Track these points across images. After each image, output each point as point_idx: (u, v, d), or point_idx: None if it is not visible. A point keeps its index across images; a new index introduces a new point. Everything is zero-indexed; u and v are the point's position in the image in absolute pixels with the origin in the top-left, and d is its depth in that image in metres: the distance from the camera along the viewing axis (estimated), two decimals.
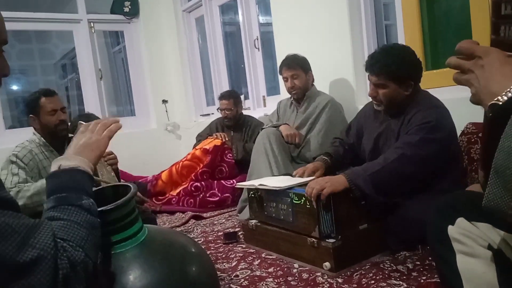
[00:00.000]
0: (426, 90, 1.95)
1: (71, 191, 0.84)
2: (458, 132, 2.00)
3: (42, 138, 2.13)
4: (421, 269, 1.58)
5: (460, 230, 0.89)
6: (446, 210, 0.96)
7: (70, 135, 2.10)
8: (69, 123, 2.30)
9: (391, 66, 1.77)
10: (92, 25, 4.41)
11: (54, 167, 0.91)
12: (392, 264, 1.66)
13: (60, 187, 0.85)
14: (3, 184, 0.77)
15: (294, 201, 1.78)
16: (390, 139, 1.89)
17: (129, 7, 4.51)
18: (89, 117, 2.49)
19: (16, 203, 0.76)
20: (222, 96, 3.42)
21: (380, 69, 1.79)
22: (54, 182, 0.87)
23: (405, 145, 1.73)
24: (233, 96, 3.41)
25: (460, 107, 2.03)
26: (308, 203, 1.70)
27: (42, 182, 1.93)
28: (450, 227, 0.91)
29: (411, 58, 1.83)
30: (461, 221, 0.90)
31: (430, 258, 1.62)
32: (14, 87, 7.13)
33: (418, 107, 1.80)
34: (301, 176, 2.01)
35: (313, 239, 1.69)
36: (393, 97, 1.82)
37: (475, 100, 0.72)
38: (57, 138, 2.14)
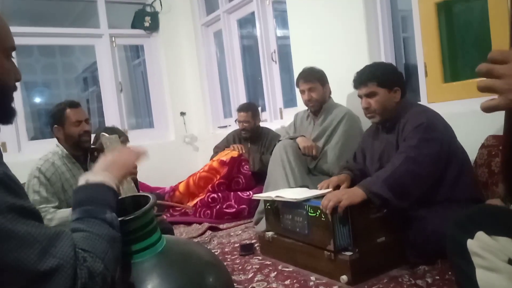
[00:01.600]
0: (446, 102, 1.96)
1: (96, 205, 0.87)
2: (478, 145, 1.98)
3: (64, 150, 2.17)
4: (441, 283, 1.55)
5: (479, 244, 0.88)
6: (465, 223, 0.95)
7: (92, 146, 2.14)
8: (93, 135, 2.34)
9: (377, 72, 1.93)
10: (113, 39, 4.52)
11: (81, 181, 0.95)
12: (410, 278, 1.63)
13: (85, 200, 0.88)
14: (27, 195, 0.80)
15: (309, 214, 1.78)
16: (392, 153, 1.91)
17: (149, 22, 4.61)
18: (114, 130, 2.52)
19: (38, 213, 0.79)
20: (241, 108, 3.45)
21: (367, 77, 1.93)
22: (81, 195, 0.90)
23: (407, 148, 1.76)
24: (252, 109, 3.44)
25: (480, 119, 2.01)
26: (323, 216, 1.69)
27: (68, 213, 1.95)
28: (469, 241, 0.90)
29: (392, 67, 2.04)
30: (480, 234, 0.88)
31: (450, 273, 1.59)
32: (37, 100, 7.33)
33: (408, 115, 1.87)
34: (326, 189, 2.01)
35: (329, 252, 1.67)
36: (385, 103, 1.92)
37: (508, 104, 0.65)
38: (80, 149, 2.18)
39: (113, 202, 0.91)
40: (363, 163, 2.17)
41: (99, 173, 0.98)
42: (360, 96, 1.99)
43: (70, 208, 1.95)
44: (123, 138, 2.03)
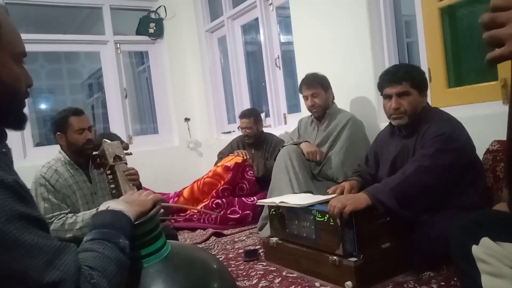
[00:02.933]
0: (450, 107, 1.95)
1: (112, 229, 0.90)
2: (483, 150, 1.97)
3: (67, 157, 2.18)
4: None
5: (485, 249, 0.87)
6: (470, 229, 0.94)
7: (94, 152, 2.14)
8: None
9: (413, 73, 1.86)
10: (118, 46, 4.56)
11: (102, 207, 0.98)
12: (416, 285, 1.62)
13: (103, 223, 0.91)
14: (35, 203, 0.81)
15: (317, 219, 1.77)
16: (407, 159, 1.87)
17: (154, 28, 4.65)
18: (111, 137, 2.53)
19: (46, 223, 0.80)
20: (243, 115, 3.46)
21: (403, 76, 1.85)
22: (99, 218, 0.93)
23: (421, 157, 1.73)
24: (253, 115, 3.44)
25: (485, 124, 2.01)
26: (332, 221, 1.69)
27: (90, 214, 1.97)
28: (474, 247, 0.89)
29: (423, 70, 1.94)
30: (485, 240, 0.88)
31: (455, 279, 1.58)
32: (43, 106, 7.38)
33: (431, 122, 1.82)
34: (338, 194, 1.99)
35: (335, 258, 1.67)
36: (416, 105, 1.86)
37: None
38: (82, 156, 2.19)
39: (128, 231, 0.94)
40: (374, 167, 2.13)
41: (120, 203, 1.01)
42: (387, 96, 1.89)
43: (93, 210, 1.96)
44: (124, 144, 2.04)
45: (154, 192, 3.49)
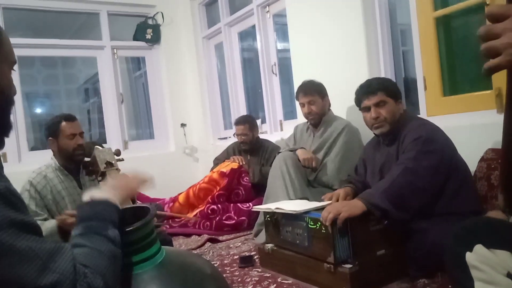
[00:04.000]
0: (445, 115, 1.99)
1: (99, 221, 0.88)
2: (478, 158, 1.98)
3: (57, 163, 2.18)
4: None
5: (478, 257, 0.88)
6: (464, 236, 0.95)
7: (86, 159, 2.14)
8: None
9: (385, 83, 2.01)
10: (115, 51, 4.56)
11: (86, 198, 0.96)
12: None
13: (88, 216, 0.89)
14: (27, 208, 0.81)
15: (309, 226, 1.77)
16: (392, 165, 1.91)
17: (151, 34, 4.65)
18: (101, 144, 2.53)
19: (38, 227, 0.79)
20: (238, 122, 3.47)
21: (377, 86, 1.97)
22: (84, 211, 0.92)
23: (405, 160, 1.78)
24: (248, 121, 3.45)
25: (480, 132, 2.03)
26: (323, 228, 1.69)
27: (51, 225, 1.94)
28: (468, 254, 0.90)
29: (394, 82, 2.11)
30: (479, 248, 0.89)
31: (450, 286, 1.58)
32: (38, 110, 7.35)
33: (409, 128, 1.89)
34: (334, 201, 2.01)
35: (329, 264, 1.67)
36: (394, 112, 1.96)
37: (509, 61, 0.60)
38: (73, 161, 2.19)
39: (116, 219, 0.92)
40: (364, 176, 2.17)
41: (103, 191, 0.99)
42: (365, 108, 1.99)
43: (53, 221, 1.91)
44: (116, 150, 2.04)
45: (150, 198, 3.48)
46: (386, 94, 1.95)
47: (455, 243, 0.96)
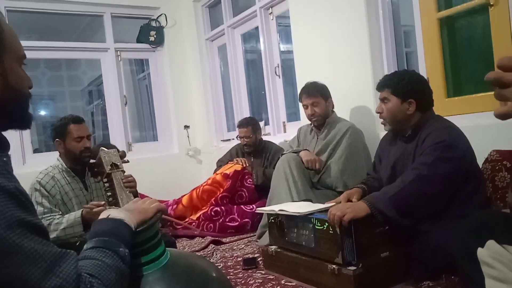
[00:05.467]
0: (448, 116, 1.96)
1: (112, 237, 0.89)
2: (482, 159, 1.98)
3: (64, 164, 2.19)
4: None
5: (490, 253, 0.86)
6: (477, 230, 0.92)
7: (91, 161, 2.14)
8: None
9: (394, 79, 1.94)
10: (118, 53, 4.58)
11: (103, 215, 0.97)
12: None
13: (103, 231, 0.90)
14: (35, 210, 0.81)
15: (316, 227, 1.77)
16: (407, 164, 1.89)
17: (155, 36, 4.67)
18: (108, 146, 2.53)
19: (46, 230, 0.80)
20: (240, 124, 3.47)
21: (384, 83, 1.96)
22: (99, 227, 0.93)
23: (421, 165, 1.72)
24: (251, 123, 3.45)
25: (484, 134, 2.02)
26: (331, 229, 1.69)
27: (75, 215, 1.98)
28: (480, 250, 0.88)
29: (416, 78, 1.95)
30: (491, 243, 0.86)
31: (457, 281, 1.57)
32: (42, 112, 7.38)
33: (431, 129, 1.83)
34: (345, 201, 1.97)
35: (334, 266, 1.67)
36: (395, 113, 1.91)
37: None
38: (79, 164, 2.19)
39: (128, 240, 0.93)
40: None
41: (121, 212, 1.00)
42: (379, 99, 2.02)
43: (79, 211, 1.96)
44: (121, 152, 2.05)
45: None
46: (392, 92, 1.91)
47: (467, 236, 0.93)
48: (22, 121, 0.94)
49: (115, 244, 0.88)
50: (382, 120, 1.99)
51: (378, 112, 1.98)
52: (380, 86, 1.97)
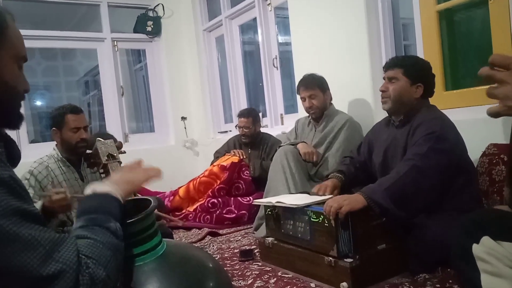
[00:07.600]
0: (447, 110, 1.97)
1: (100, 213, 0.88)
2: (479, 153, 1.98)
3: (59, 154, 2.17)
4: None
5: (485, 249, 0.87)
6: (471, 227, 0.94)
7: (88, 151, 2.13)
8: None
9: (406, 61, 1.95)
10: (115, 43, 4.54)
11: (88, 191, 0.96)
12: (411, 287, 1.63)
13: (90, 208, 0.89)
14: (31, 198, 0.80)
15: (312, 219, 1.77)
16: (397, 150, 1.91)
17: (152, 26, 4.63)
18: (105, 136, 2.51)
19: (41, 217, 0.80)
20: (241, 114, 3.46)
21: (397, 62, 1.95)
22: (86, 204, 0.91)
23: (415, 156, 1.74)
24: (252, 115, 3.44)
25: (481, 127, 2.02)
26: (326, 222, 1.69)
27: (38, 206, 1.89)
28: (475, 246, 0.89)
29: (428, 65, 1.97)
30: (486, 239, 0.88)
31: (450, 281, 1.58)
32: (38, 103, 7.33)
33: (423, 118, 1.85)
34: (322, 193, 2.02)
35: (331, 258, 1.67)
36: (402, 93, 1.92)
37: (509, 112, 0.67)
38: (75, 154, 2.18)
39: (117, 212, 0.92)
40: (368, 156, 2.16)
41: (106, 184, 0.99)
42: (384, 79, 2.00)
43: (40, 201, 1.78)
44: (118, 143, 2.03)
45: (150, 192, 3.47)
46: (403, 72, 1.91)
47: (462, 234, 0.95)
48: (11, 121, 0.91)
49: (105, 220, 0.87)
50: (382, 98, 1.99)
51: (381, 91, 1.97)
52: (391, 65, 1.96)
